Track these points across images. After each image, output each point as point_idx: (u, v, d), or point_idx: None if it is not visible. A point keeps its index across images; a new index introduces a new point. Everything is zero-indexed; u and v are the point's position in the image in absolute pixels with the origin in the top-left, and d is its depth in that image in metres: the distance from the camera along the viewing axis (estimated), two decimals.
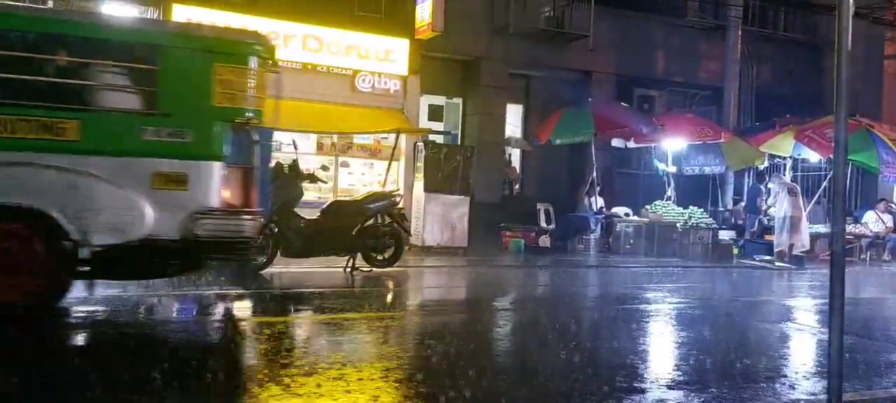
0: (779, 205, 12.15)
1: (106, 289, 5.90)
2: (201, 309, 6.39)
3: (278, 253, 8.29)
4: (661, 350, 5.48)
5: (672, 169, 14.61)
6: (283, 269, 8.46)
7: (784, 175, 14.38)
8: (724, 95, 15.90)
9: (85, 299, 5.58)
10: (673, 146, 14.18)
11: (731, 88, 15.79)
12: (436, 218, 11.53)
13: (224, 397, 3.65)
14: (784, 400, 4.05)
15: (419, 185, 11.79)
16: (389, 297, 7.96)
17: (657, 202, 13.84)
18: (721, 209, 15.37)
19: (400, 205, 9.36)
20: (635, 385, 4.25)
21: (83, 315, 5.48)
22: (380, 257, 8.92)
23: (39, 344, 4.60)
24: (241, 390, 3.80)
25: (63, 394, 3.59)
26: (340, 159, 12.72)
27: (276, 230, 8.18)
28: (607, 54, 15.83)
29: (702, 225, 13.19)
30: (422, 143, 12.14)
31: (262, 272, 8.15)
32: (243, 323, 6.07)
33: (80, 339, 5.11)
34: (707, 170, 15.12)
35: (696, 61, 17.12)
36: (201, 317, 6.08)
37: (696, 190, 15.28)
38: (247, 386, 3.85)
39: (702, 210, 13.81)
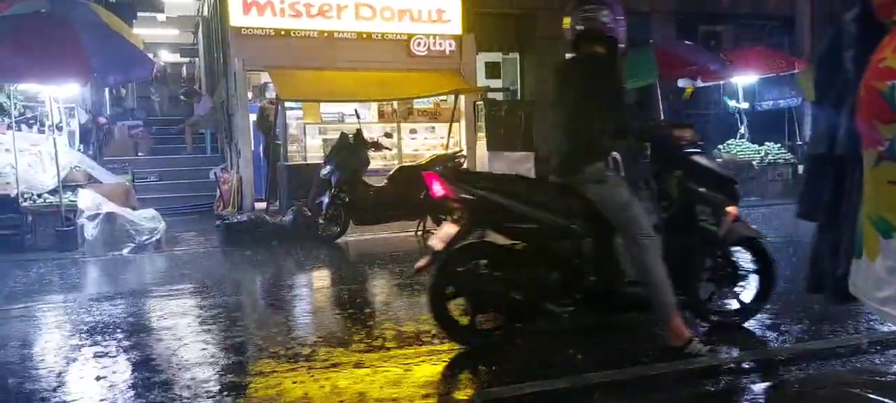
0: None
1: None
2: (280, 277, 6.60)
3: (351, 222, 8.45)
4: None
5: (744, 105, 14.00)
6: (358, 237, 8.62)
7: None
8: (795, 24, 15.06)
9: None
10: (744, 81, 13.57)
11: (803, 15, 14.93)
12: None
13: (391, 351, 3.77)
14: None
15: (482, 144, 11.72)
16: None
17: (730, 141, 13.33)
18: (799, 143, 14.68)
19: (464, 166, 9.34)
20: None
21: None
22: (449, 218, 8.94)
23: None
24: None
25: None
26: (402, 125, 12.76)
27: (347, 200, 8.31)
28: None
29: (780, 161, 12.64)
30: (481, 102, 12.04)
31: (337, 241, 8.34)
32: (328, 291, 6.23)
33: None
34: (782, 103, 14.42)
35: None
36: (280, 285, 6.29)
37: (771, 125, 14.61)
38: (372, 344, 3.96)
39: (779, 146, 13.22)
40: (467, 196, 3.67)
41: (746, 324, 4.11)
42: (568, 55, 3.92)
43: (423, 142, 12.84)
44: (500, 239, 3.83)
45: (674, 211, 3.84)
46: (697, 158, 3.97)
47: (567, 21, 3.76)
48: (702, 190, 3.87)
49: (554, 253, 3.72)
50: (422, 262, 3.70)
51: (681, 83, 13.65)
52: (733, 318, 4.14)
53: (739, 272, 4.07)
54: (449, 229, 3.65)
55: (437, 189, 3.71)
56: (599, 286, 3.73)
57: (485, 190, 3.70)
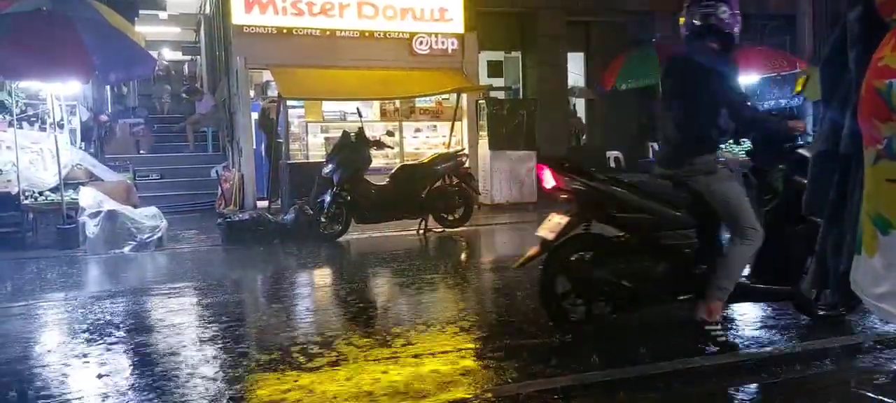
0: None
1: None
2: (281, 277, 6.61)
3: (352, 221, 8.45)
4: None
5: None
6: (360, 236, 8.63)
7: None
8: (796, 23, 15.05)
9: None
10: (745, 80, 13.55)
11: (804, 14, 14.92)
12: (503, 175, 11.47)
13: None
14: None
15: (484, 143, 11.74)
16: (463, 256, 7.99)
17: (731, 140, 13.30)
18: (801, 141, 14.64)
19: (466, 165, 9.34)
20: None
21: None
22: (450, 217, 8.97)
23: None
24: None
25: None
26: (404, 124, 12.76)
27: (349, 198, 8.32)
28: None
29: None
30: (483, 101, 12.04)
31: (339, 240, 8.34)
32: (330, 289, 6.24)
33: None
34: (783, 102, 14.40)
35: None
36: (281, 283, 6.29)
37: None
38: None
39: None
40: (579, 187, 3.70)
41: (755, 324, 4.11)
42: (677, 50, 3.95)
43: (425, 141, 12.83)
44: (605, 231, 3.87)
45: (777, 203, 3.86)
46: (803, 151, 3.95)
47: (682, 20, 3.79)
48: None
49: (663, 244, 3.75)
50: (531, 252, 3.77)
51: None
52: (839, 310, 4.09)
53: None
54: (559, 219, 3.70)
55: (548, 180, 3.74)
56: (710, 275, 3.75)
57: (597, 181, 3.74)
